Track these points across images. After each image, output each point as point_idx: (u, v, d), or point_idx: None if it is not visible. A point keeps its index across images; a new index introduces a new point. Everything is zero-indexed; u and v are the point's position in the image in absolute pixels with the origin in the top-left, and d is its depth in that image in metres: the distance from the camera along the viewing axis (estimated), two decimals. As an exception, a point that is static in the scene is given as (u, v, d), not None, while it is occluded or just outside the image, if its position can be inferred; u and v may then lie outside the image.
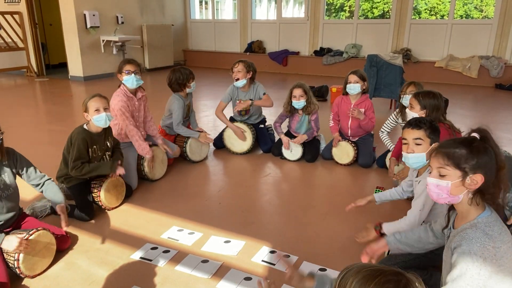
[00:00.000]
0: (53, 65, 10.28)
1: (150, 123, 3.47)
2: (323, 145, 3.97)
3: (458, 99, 6.54)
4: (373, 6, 12.99)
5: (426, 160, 2.05)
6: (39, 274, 2.11)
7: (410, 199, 2.39)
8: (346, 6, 12.88)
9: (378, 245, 1.85)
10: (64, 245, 2.31)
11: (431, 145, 2.05)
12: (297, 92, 3.68)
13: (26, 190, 2.60)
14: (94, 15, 8.27)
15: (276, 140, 4.08)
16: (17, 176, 2.26)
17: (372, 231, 2.17)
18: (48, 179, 2.38)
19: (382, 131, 3.57)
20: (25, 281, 2.06)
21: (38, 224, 2.27)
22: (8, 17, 8.59)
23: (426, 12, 12.76)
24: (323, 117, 4.69)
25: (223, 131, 4.10)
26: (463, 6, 12.19)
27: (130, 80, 3.16)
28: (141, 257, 2.26)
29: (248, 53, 10.21)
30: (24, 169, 2.27)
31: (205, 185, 3.35)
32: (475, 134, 1.44)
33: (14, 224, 2.23)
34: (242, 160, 3.94)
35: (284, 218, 2.78)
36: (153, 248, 2.35)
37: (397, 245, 1.83)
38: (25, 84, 8.34)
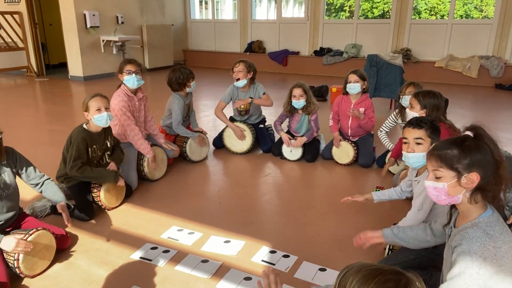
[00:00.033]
0: (53, 65, 10.28)
1: (150, 122, 3.47)
2: (323, 145, 3.97)
3: (458, 99, 6.54)
4: (373, 6, 12.99)
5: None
6: (39, 274, 2.10)
7: (409, 199, 2.39)
8: (346, 6, 12.87)
9: (374, 234, 1.85)
10: (64, 245, 2.31)
11: (431, 145, 2.04)
12: (297, 91, 3.68)
13: (26, 190, 2.60)
14: (94, 15, 8.27)
15: (276, 140, 4.08)
16: (17, 176, 2.25)
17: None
18: (47, 179, 2.38)
19: (380, 131, 3.58)
20: (25, 281, 2.06)
21: (38, 224, 2.27)
22: (8, 17, 8.59)
23: (426, 12, 12.76)
24: (323, 117, 4.69)
25: (223, 131, 4.10)
26: (463, 6, 12.18)
27: (131, 80, 3.17)
28: (141, 257, 2.26)
29: (248, 53, 10.21)
30: (24, 168, 2.27)
31: (205, 185, 3.35)
32: (468, 132, 1.42)
33: (14, 224, 2.23)
34: (242, 160, 3.93)
35: (284, 218, 2.78)
36: (153, 248, 2.35)
37: (393, 239, 1.83)
38: (25, 84, 8.34)
